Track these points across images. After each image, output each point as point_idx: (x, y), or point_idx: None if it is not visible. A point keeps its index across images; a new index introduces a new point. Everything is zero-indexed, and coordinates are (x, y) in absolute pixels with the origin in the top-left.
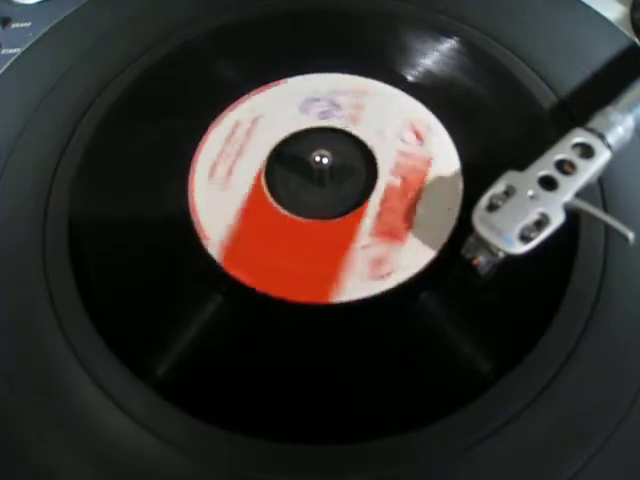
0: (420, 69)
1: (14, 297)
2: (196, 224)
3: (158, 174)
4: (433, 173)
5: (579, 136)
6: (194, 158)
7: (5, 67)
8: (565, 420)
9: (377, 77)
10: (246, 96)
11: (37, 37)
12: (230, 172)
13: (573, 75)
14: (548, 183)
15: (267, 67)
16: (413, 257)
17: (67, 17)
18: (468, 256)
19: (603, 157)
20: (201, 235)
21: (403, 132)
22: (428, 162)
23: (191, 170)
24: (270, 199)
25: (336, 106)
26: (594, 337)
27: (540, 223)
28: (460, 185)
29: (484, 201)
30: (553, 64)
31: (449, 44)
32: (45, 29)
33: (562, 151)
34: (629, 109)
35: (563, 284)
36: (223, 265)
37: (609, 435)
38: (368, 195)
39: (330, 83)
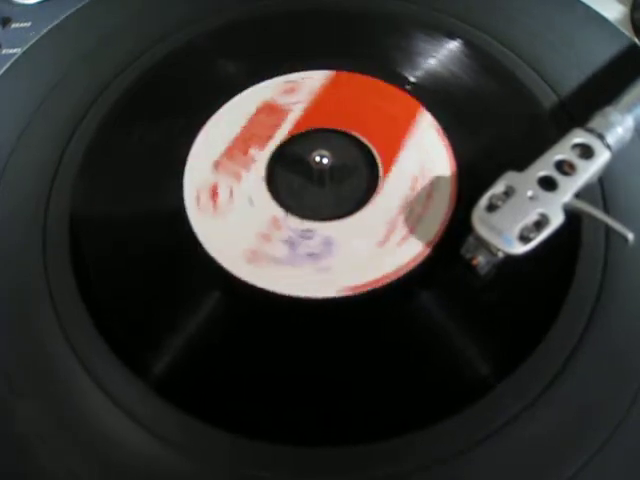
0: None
1: (14, 297)
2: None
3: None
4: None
5: (579, 136)
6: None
7: (5, 67)
8: (565, 420)
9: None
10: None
11: (37, 37)
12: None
13: (573, 75)
14: (548, 183)
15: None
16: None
17: (67, 17)
18: (468, 256)
19: (603, 157)
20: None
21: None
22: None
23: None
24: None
25: None
26: (595, 337)
27: (540, 223)
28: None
29: (484, 201)
30: (553, 64)
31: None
32: (45, 29)
33: (562, 151)
34: (629, 109)
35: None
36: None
37: (609, 435)
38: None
39: None
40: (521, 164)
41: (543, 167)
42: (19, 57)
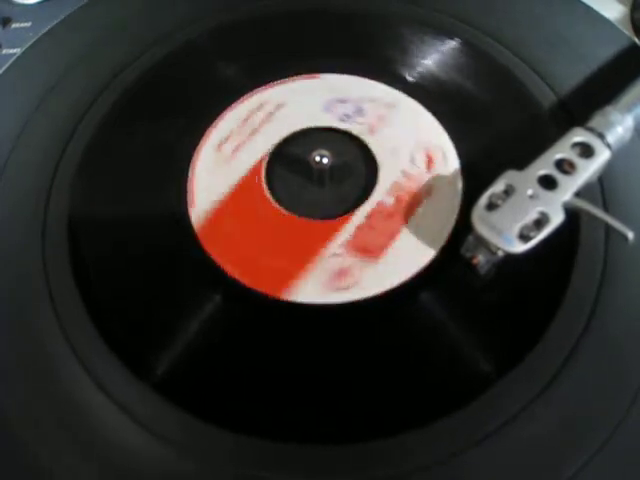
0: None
1: (14, 297)
2: (190, 202)
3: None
4: (430, 201)
5: (579, 135)
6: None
7: (5, 67)
8: (565, 420)
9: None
10: (279, 82)
11: (37, 37)
12: (237, 150)
13: (573, 75)
14: (548, 182)
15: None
16: (380, 277)
17: (67, 17)
18: (467, 255)
19: (603, 156)
20: (189, 201)
21: (416, 154)
22: (428, 190)
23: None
24: (263, 186)
25: (360, 112)
26: (594, 337)
27: (540, 222)
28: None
29: (483, 200)
30: (553, 64)
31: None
32: (45, 29)
33: (562, 150)
34: (629, 109)
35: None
36: (198, 235)
37: (609, 435)
38: (360, 203)
39: (363, 88)
40: (521, 163)
41: (543, 166)
42: (19, 57)
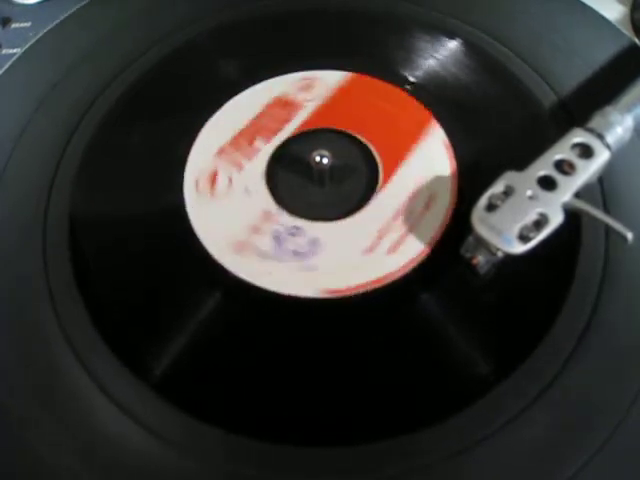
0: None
1: (14, 297)
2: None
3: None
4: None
5: (578, 136)
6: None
7: (5, 67)
8: (565, 420)
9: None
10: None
11: (37, 37)
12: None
13: (573, 75)
14: (547, 183)
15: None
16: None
17: (67, 17)
18: (467, 256)
19: (602, 157)
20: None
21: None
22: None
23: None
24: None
25: None
26: (595, 337)
27: (539, 223)
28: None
29: (483, 201)
30: (553, 64)
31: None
32: (45, 29)
33: (561, 151)
34: (628, 109)
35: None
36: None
37: (609, 435)
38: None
39: None
40: (521, 164)
41: (543, 167)
42: (19, 57)
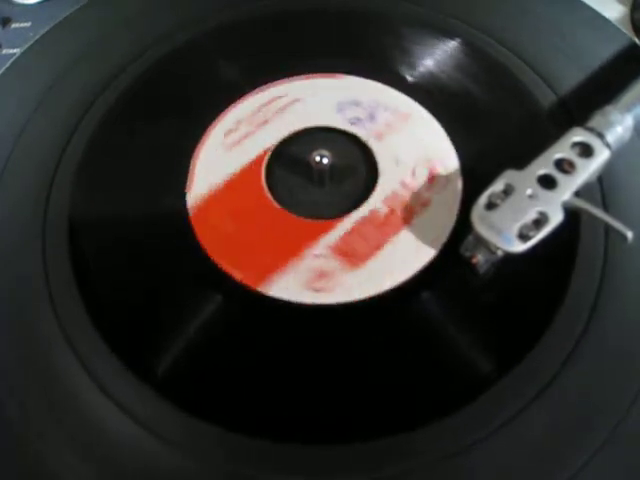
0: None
1: (14, 297)
2: (190, 180)
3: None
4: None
5: (578, 135)
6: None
7: (5, 67)
8: (565, 420)
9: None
10: (303, 76)
11: (37, 37)
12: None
13: (573, 75)
14: (547, 182)
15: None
16: (362, 284)
17: (67, 17)
18: (467, 254)
19: (602, 156)
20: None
21: (418, 167)
22: (424, 204)
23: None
24: (262, 179)
25: (372, 118)
26: (594, 337)
27: (539, 222)
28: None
29: (483, 200)
30: (553, 64)
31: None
32: (45, 29)
33: (561, 150)
34: (628, 108)
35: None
36: (190, 216)
37: (609, 435)
38: (354, 208)
39: (379, 94)
40: (521, 162)
41: (543, 165)
42: (19, 57)
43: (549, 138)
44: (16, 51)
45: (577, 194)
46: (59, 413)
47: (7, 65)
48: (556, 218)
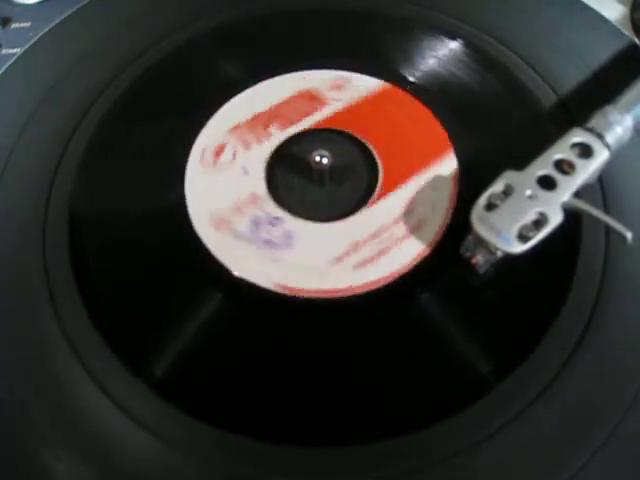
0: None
1: (14, 297)
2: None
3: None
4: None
5: (578, 136)
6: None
7: (5, 67)
8: (565, 420)
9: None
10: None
11: (37, 37)
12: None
13: (573, 75)
14: (547, 183)
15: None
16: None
17: (67, 17)
18: (467, 255)
19: (602, 157)
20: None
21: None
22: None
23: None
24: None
25: None
26: (594, 337)
27: (539, 222)
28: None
29: (482, 200)
30: (553, 64)
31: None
32: (45, 29)
33: (561, 151)
34: (628, 109)
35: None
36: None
37: (609, 435)
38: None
39: None
40: (520, 163)
41: (542, 166)
42: (19, 57)
43: (549, 138)
44: (16, 51)
45: (577, 195)
46: (59, 413)
47: (7, 65)
48: (556, 219)
